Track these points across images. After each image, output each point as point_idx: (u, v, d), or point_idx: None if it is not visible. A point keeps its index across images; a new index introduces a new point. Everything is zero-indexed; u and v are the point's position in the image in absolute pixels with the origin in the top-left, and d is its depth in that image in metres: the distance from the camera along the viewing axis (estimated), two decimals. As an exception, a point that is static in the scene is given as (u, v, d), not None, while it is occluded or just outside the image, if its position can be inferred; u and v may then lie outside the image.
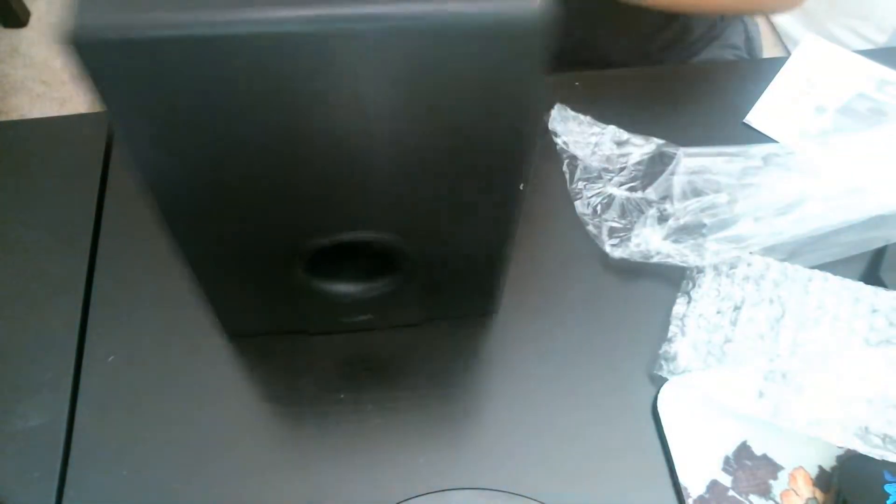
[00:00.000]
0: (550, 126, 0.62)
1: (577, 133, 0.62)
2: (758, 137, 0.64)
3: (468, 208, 0.42)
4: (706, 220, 0.56)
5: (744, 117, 0.65)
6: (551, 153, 0.62)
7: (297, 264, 0.45)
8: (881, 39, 1.49)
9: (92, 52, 0.30)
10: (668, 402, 0.51)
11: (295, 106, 0.34)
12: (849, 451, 0.50)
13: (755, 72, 0.70)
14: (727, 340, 0.53)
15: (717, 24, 0.81)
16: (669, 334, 0.53)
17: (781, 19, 1.67)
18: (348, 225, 0.43)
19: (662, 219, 0.57)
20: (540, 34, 0.31)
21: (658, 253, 0.55)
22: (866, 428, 0.49)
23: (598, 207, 0.59)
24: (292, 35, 0.30)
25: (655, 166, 0.60)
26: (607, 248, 0.56)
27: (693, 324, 0.53)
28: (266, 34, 0.30)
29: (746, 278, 0.55)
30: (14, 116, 0.57)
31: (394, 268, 0.48)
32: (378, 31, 0.30)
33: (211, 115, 0.34)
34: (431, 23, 0.30)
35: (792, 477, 0.49)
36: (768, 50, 1.46)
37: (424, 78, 0.33)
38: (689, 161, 0.59)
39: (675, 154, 0.60)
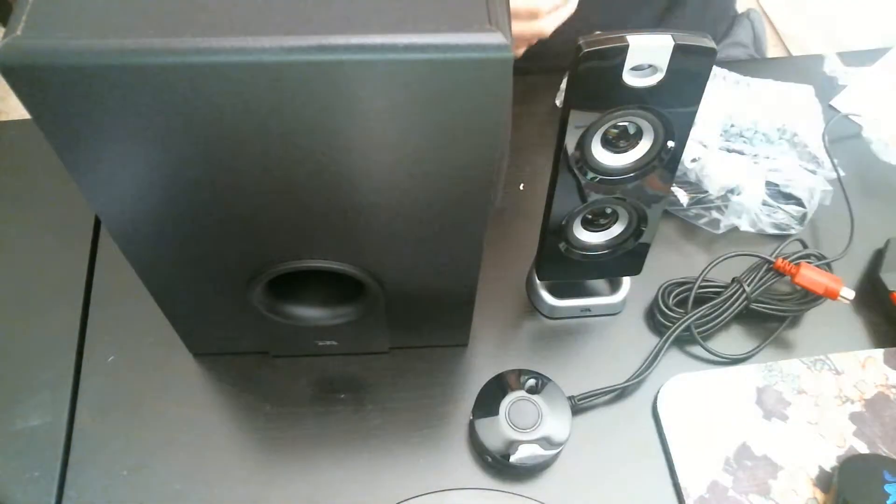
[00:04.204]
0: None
1: None
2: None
3: (434, 238, 0.42)
4: None
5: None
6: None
7: (256, 288, 0.44)
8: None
9: (17, 76, 0.29)
10: (668, 402, 0.51)
11: (247, 137, 0.33)
12: (849, 451, 0.50)
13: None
14: None
15: (728, 22, 0.82)
16: None
17: (782, 19, 1.67)
18: (307, 254, 0.42)
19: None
20: (506, 67, 0.31)
21: None
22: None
23: None
24: (248, 65, 0.30)
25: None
26: None
27: None
28: (211, 64, 0.30)
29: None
30: (14, 116, 0.56)
31: (360, 294, 0.47)
32: (339, 64, 0.30)
33: (153, 147, 0.33)
34: (399, 55, 0.30)
35: (792, 477, 0.49)
36: (770, 50, 1.45)
37: (393, 108, 0.33)
38: None
39: None
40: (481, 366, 0.54)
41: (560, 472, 0.50)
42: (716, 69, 0.62)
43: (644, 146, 0.44)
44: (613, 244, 0.51)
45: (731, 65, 0.66)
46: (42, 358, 0.53)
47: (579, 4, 0.59)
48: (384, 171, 0.36)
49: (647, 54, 0.38)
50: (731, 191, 0.58)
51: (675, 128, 0.42)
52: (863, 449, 0.50)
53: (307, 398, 0.52)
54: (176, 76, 0.30)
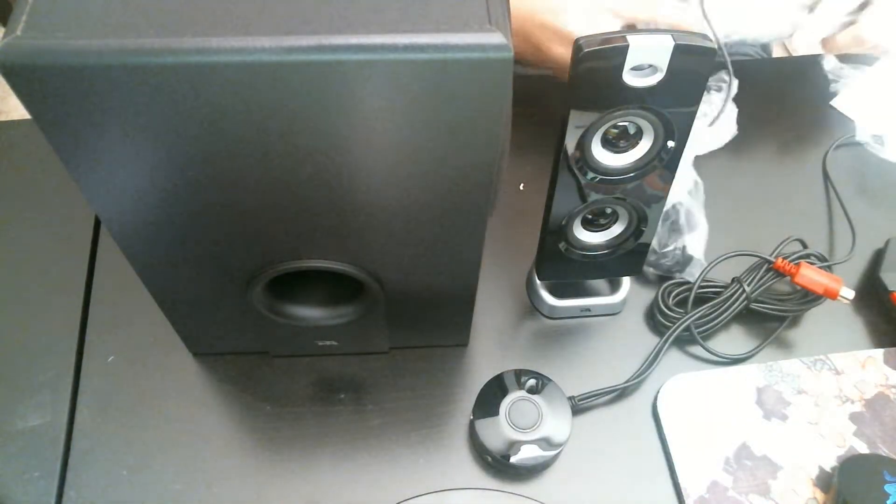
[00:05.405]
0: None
1: None
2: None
3: (434, 238, 0.42)
4: None
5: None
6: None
7: (256, 288, 0.44)
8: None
9: (17, 75, 0.29)
10: (668, 402, 0.51)
11: (247, 137, 0.33)
12: (849, 451, 0.50)
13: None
14: None
15: None
16: None
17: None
18: (307, 254, 0.42)
19: None
20: (506, 67, 0.31)
21: None
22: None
23: None
24: (248, 65, 0.30)
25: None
26: None
27: None
28: (211, 64, 0.30)
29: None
30: (14, 116, 0.57)
31: (359, 294, 0.47)
32: (339, 64, 0.30)
33: (153, 147, 0.33)
34: (399, 54, 0.30)
35: (792, 477, 0.49)
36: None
37: (393, 108, 0.33)
38: None
39: None
40: (481, 366, 0.54)
41: (560, 472, 0.50)
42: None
43: (644, 146, 0.44)
44: (613, 244, 0.51)
45: (737, 64, 0.66)
46: (42, 358, 0.53)
47: None
48: (384, 171, 0.36)
49: (647, 54, 0.38)
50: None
51: (675, 128, 0.42)
52: (863, 449, 0.50)
53: (307, 398, 0.52)
54: (176, 76, 0.30)
